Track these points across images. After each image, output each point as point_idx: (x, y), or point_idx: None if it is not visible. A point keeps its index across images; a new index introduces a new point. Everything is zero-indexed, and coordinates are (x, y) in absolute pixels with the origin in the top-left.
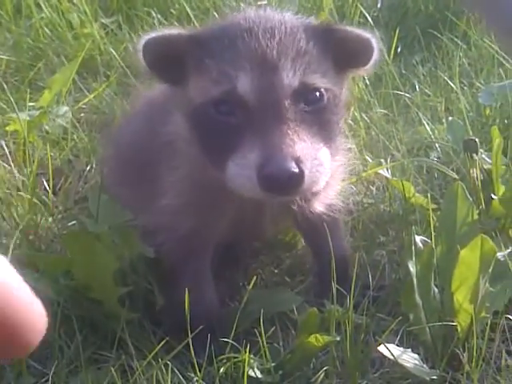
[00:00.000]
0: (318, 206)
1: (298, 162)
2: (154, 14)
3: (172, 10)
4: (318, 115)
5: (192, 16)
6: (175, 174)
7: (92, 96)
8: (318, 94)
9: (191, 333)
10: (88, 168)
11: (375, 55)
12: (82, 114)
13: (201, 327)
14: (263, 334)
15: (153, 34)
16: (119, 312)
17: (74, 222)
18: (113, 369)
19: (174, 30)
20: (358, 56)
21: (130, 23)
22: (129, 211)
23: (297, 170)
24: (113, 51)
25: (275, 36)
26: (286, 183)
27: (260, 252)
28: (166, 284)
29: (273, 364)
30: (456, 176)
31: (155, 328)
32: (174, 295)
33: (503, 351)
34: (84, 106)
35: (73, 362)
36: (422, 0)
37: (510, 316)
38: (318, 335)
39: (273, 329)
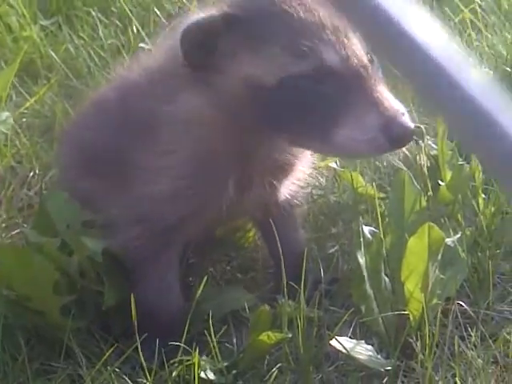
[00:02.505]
0: (284, 194)
1: (406, 116)
2: (94, 14)
3: (113, 9)
4: None
5: (133, 13)
6: (168, 158)
7: (33, 100)
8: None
9: (157, 331)
10: (31, 174)
11: None
12: (24, 119)
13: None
14: (213, 335)
15: (193, 21)
16: (63, 322)
17: (18, 231)
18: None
19: (207, 14)
20: None
21: (69, 24)
22: (93, 206)
23: (413, 125)
24: (53, 53)
25: (322, 9)
26: (411, 138)
27: (209, 250)
28: (128, 282)
29: (225, 364)
30: (402, 165)
31: (105, 334)
32: (139, 292)
33: (456, 337)
34: (25, 111)
35: (20, 376)
36: None
37: (461, 302)
38: (269, 332)
39: (225, 327)
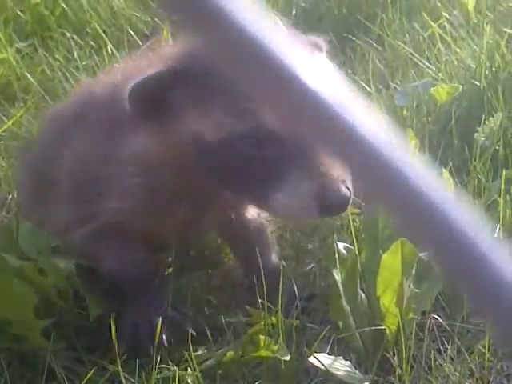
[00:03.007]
0: (252, 212)
1: (344, 184)
2: (69, 35)
3: (88, 30)
4: None
5: (108, 34)
6: (127, 181)
7: (11, 122)
8: None
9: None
10: (10, 196)
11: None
12: (1, 142)
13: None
14: (192, 351)
15: (137, 80)
16: (45, 344)
17: None
18: None
19: (155, 71)
20: None
21: (45, 46)
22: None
23: (349, 193)
24: (29, 76)
25: None
26: (344, 207)
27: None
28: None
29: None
30: None
31: (88, 353)
32: (104, 267)
33: (433, 351)
34: (3, 134)
35: None
36: (335, 4)
37: (436, 316)
38: (270, 344)
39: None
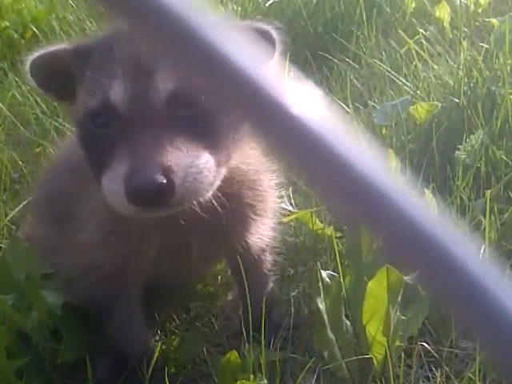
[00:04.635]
0: (255, 239)
1: (167, 172)
2: None
3: None
4: (201, 119)
5: None
6: (90, 205)
7: None
8: (197, 96)
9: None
10: None
11: (278, 47)
12: None
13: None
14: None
15: (37, 53)
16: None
17: None
18: None
19: (59, 45)
20: None
21: (15, 70)
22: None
23: (164, 181)
24: None
25: (144, 44)
26: (153, 195)
27: (168, 300)
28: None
29: None
30: None
31: None
32: (107, 333)
33: (421, 378)
34: None
35: None
36: (310, 23)
37: (423, 343)
38: (243, 381)
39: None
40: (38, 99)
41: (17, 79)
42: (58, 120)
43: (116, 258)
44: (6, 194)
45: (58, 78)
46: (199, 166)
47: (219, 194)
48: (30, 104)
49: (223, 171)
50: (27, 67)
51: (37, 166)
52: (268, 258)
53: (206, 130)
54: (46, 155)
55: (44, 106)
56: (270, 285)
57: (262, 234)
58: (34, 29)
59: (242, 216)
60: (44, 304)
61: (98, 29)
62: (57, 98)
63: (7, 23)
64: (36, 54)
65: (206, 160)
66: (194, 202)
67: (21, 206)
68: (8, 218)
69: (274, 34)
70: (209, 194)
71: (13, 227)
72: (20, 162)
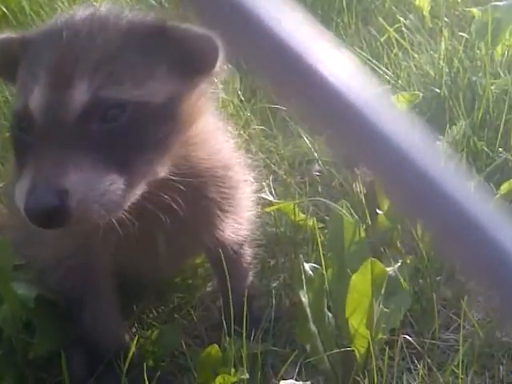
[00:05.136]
0: (229, 234)
1: (62, 194)
2: None
3: None
4: (118, 134)
5: None
6: None
7: None
8: (117, 109)
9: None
10: None
11: (221, 57)
12: None
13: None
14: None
15: None
16: None
17: None
18: None
19: (8, 34)
20: (198, 58)
21: None
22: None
23: (58, 203)
24: None
25: (79, 41)
26: (45, 217)
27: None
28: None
29: None
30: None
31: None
32: (78, 327)
33: (404, 370)
34: None
35: None
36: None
37: (406, 335)
38: (225, 375)
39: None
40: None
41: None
42: None
43: (76, 251)
44: None
45: (9, 66)
46: (100, 189)
47: (182, 188)
48: None
49: (139, 188)
50: None
51: (6, 151)
52: (247, 251)
53: (118, 148)
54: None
55: (13, 89)
56: (250, 278)
57: (236, 228)
58: (4, 9)
59: (207, 212)
60: (16, 296)
61: (70, 10)
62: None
63: None
64: None
65: (110, 182)
66: (99, 222)
67: None
68: None
69: (218, 43)
70: (117, 214)
71: None
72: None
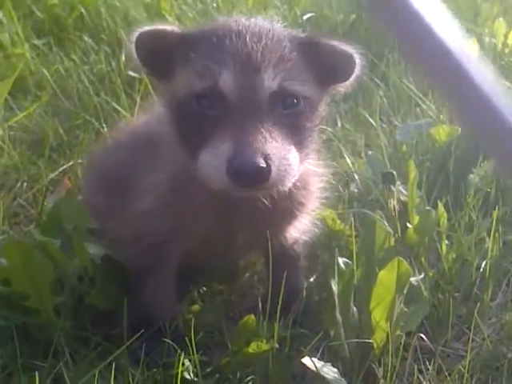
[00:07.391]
0: (294, 232)
1: (266, 158)
2: (86, 39)
3: (103, 36)
4: (292, 119)
5: (123, 42)
6: (154, 176)
7: (22, 115)
8: (295, 99)
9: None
10: (18, 185)
11: (357, 71)
12: (12, 133)
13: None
14: (193, 340)
15: (146, 28)
16: (54, 321)
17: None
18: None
19: (168, 26)
20: (340, 70)
21: (60, 46)
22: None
23: (264, 165)
24: (45, 71)
25: (261, 40)
26: (253, 176)
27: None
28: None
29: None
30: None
31: (93, 336)
32: (138, 298)
33: (415, 369)
34: (14, 125)
35: (7, 367)
36: (344, 40)
37: (421, 335)
38: (258, 342)
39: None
40: (82, 74)
41: (61, 54)
42: (99, 95)
43: (167, 230)
44: (43, 160)
45: (159, 55)
46: (289, 159)
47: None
48: (73, 79)
49: (301, 168)
50: (133, 39)
51: (75, 137)
52: (299, 250)
53: (295, 130)
54: (86, 127)
55: (86, 82)
56: (298, 279)
57: (300, 228)
58: (82, 10)
59: (291, 213)
60: (86, 253)
61: (141, 18)
62: (153, 74)
63: (55, 1)
64: (144, 28)
65: (294, 155)
66: (280, 189)
67: (58, 171)
68: (48, 178)
69: (357, 59)
70: (289, 184)
71: (50, 188)
72: (61, 131)
